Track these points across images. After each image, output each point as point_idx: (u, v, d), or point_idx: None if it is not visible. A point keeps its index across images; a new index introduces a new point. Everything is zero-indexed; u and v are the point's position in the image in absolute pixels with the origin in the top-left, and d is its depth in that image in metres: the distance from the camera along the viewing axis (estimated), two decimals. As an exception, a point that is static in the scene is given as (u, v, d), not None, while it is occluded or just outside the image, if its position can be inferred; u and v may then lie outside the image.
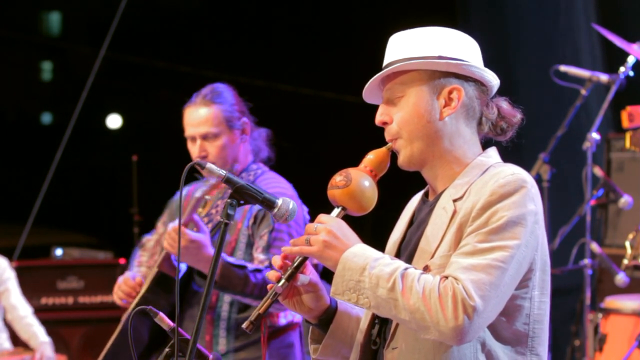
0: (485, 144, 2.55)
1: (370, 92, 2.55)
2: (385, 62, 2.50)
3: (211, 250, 3.53)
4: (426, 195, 2.55)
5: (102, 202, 13.36)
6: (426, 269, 2.35)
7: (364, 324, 2.52)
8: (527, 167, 5.53)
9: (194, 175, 4.03)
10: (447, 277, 2.25)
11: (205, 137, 3.78)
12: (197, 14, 13.26)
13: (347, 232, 2.38)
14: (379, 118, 2.50)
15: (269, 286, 2.46)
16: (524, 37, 6.78)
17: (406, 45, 2.46)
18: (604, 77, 5.36)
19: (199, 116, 3.80)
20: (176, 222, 3.59)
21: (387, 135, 2.50)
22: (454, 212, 2.37)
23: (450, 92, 2.44)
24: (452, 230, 2.35)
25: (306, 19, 11.07)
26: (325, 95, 10.13)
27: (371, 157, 2.50)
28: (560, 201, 5.79)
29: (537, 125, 6.09)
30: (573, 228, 5.36)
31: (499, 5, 6.91)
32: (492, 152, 2.49)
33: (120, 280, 3.84)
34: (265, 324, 3.65)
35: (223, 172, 2.49)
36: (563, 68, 5.48)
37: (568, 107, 5.48)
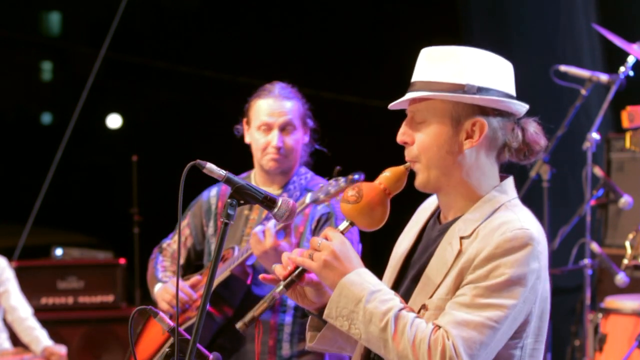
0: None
1: (394, 104, 2.52)
2: (414, 77, 2.47)
3: None
4: (438, 215, 2.53)
5: (102, 202, 13.36)
6: (423, 307, 2.35)
7: None
8: (527, 167, 5.54)
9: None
10: (439, 328, 2.25)
11: (283, 128, 3.73)
12: (197, 14, 13.26)
13: (350, 254, 2.38)
14: (400, 137, 2.48)
15: (261, 276, 2.47)
16: (524, 37, 6.78)
17: (435, 67, 2.42)
18: (604, 77, 5.35)
19: (281, 106, 3.73)
20: (265, 226, 3.55)
21: (407, 156, 2.48)
22: (459, 252, 2.35)
23: (473, 125, 2.41)
24: (453, 272, 2.34)
25: (306, 19, 11.07)
26: (325, 95, 10.13)
27: (387, 174, 2.47)
28: (560, 201, 5.79)
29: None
30: (573, 228, 5.36)
31: (500, 6, 6.91)
32: (508, 185, 2.46)
33: (172, 286, 3.75)
34: (260, 326, 3.65)
35: (223, 172, 2.49)
36: (563, 68, 5.48)
37: (568, 107, 5.47)
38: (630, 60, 5.20)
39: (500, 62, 2.47)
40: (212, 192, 3.95)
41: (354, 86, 9.95)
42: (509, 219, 2.35)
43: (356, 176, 3.42)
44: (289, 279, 2.43)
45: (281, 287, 2.43)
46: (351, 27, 10.46)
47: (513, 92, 2.46)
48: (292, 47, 10.69)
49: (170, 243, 4.01)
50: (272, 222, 3.54)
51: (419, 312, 2.35)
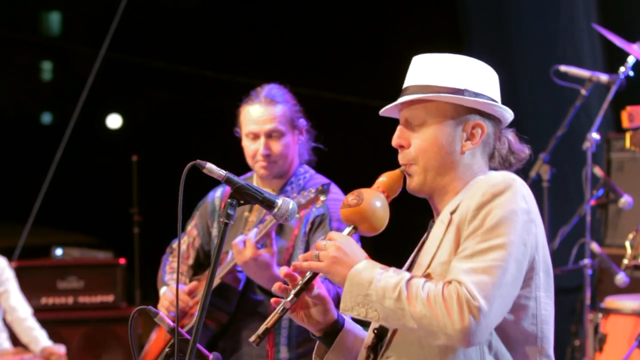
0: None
1: (386, 108, 2.56)
2: (407, 83, 2.50)
3: (276, 270, 3.51)
4: (434, 222, 2.57)
5: (102, 202, 13.38)
6: (427, 277, 2.37)
7: (367, 340, 2.54)
8: (527, 167, 5.54)
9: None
10: (450, 282, 2.28)
11: (270, 135, 3.71)
12: (197, 14, 13.27)
13: (355, 249, 2.41)
14: (396, 141, 2.51)
15: (272, 300, 2.48)
16: (524, 37, 6.78)
17: (431, 71, 2.47)
18: (604, 77, 5.36)
19: (265, 113, 3.71)
20: (246, 236, 3.55)
21: (402, 159, 2.51)
22: (450, 222, 2.40)
23: (473, 127, 2.47)
24: (449, 236, 2.38)
25: (306, 19, 11.07)
26: (325, 95, 10.13)
27: (384, 179, 2.52)
28: (560, 201, 5.79)
29: (537, 125, 6.09)
30: (573, 228, 5.36)
31: (500, 6, 6.91)
32: (491, 172, 2.52)
33: (171, 294, 3.76)
34: (271, 341, 3.65)
35: (223, 172, 2.49)
36: (563, 68, 5.48)
37: (568, 107, 5.47)
38: (630, 60, 5.20)
39: (489, 71, 2.53)
40: (217, 193, 3.95)
41: (354, 86, 9.96)
42: (490, 175, 2.44)
43: (325, 186, 3.44)
44: (298, 287, 2.45)
45: (291, 296, 2.45)
46: (351, 27, 10.46)
47: (499, 100, 2.52)
48: (292, 47, 10.70)
49: (180, 243, 4.01)
50: (253, 231, 3.55)
51: None
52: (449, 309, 2.23)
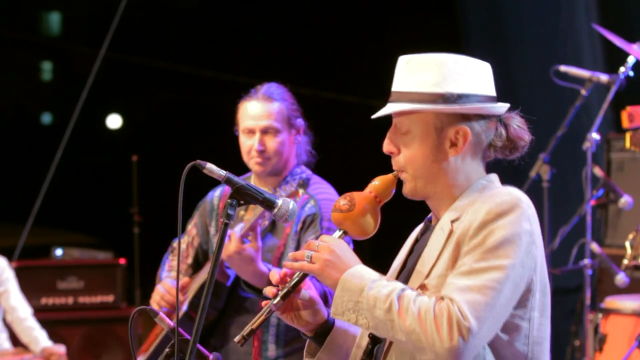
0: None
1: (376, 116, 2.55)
2: (394, 87, 2.48)
3: (260, 265, 3.52)
4: (430, 221, 2.56)
5: (102, 202, 13.38)
6: (423, 287, 2.36)
7: (360, 340, 2.54)
8: (527, 167, 5.54)
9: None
10: (442, 299, 2.27)
11: (265, 132, 3.72)
12: (197, 14, 13.28)
13: (347, 253, 2.40)
14: (386, 148, 2.50)
15: (263, 302, 2.47)
16: (524, 37, 6.78)
17: (413, 77, 2.44)
18: (604, 77, 5.36)
19: (262, 110, 3.73)
20: (231, 230, 3.56)
21: (394, 165, 2.50)
22: (451, 232, 2.38)
23: (456, 133, 2.43)
24: (448, 249, 2.36)
25: (306, 19, 11.08)
26: (325, 95, 10.14)
27: (377, 183, 2.51)
28: (560, 201, 5.79)
29: (537, 125, 6.08)
30: (573, 228, 5.36)
31: (499, 5, 6.91)
32: (493, 177, 2.50)
33: (162, 289, 3.79)
34: (259, 339, 3.66)
35: (223, 173, 2.49)
36: (563, 68, 5.48)
37: (568, 107, 5.47)
38: (630, 60, 5.21)
39: (478, 65, 2.48)
40: (216, 193, 3.97)
41: (354, 86, 9.96)
42: (496, 191, 2.41)
43: (305, 180, 3.47)
44: (286, 289, 2.44)
45: (278, 298, 2.43)
46: (351, 27, 10.47)
47: (493, 93, 2.48)
48: (292, 47, 10.70)
49: (180, 243, 4.02)
50: (239, 226, 3.55)
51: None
52: (438, 326, 2.22)
